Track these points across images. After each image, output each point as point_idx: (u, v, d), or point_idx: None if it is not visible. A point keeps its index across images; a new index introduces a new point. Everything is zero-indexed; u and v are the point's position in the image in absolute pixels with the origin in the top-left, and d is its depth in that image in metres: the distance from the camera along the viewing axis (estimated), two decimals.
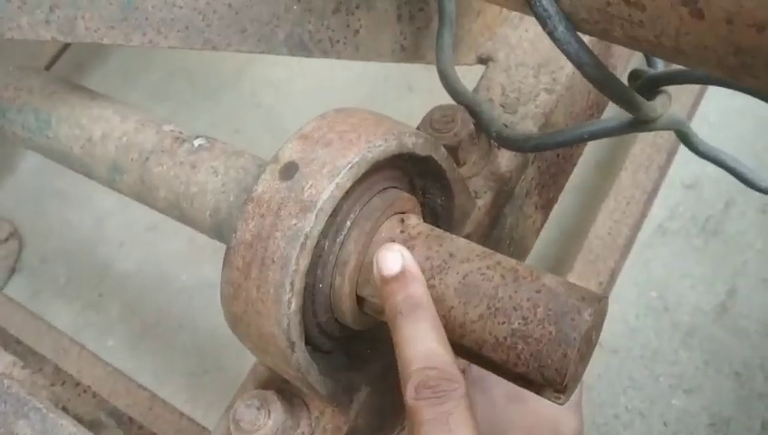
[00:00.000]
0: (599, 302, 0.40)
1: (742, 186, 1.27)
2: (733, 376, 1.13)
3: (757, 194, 1.29)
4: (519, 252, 0.62)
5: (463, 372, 0.53)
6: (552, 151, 0.62)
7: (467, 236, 0.50)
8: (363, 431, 0.49)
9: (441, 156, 0.47)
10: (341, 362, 0.48)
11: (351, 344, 0.48)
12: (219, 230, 0.49)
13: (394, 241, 0.44)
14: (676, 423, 1.11)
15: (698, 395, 1.13)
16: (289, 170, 0.42)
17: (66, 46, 1.56)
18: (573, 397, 0.99)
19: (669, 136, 1.10)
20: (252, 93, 1.56)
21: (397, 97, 1.47)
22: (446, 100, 0.56)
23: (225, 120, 1.53)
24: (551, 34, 0.40)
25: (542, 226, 0.65)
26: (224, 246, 0.44)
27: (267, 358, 0.44)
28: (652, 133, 1.11)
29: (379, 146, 0.42)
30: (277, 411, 0.45)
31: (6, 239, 1.49)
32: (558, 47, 0.40)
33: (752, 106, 1.17)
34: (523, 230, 0.62)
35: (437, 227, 0.46)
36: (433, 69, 0.58)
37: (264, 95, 1.55)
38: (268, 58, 1.58)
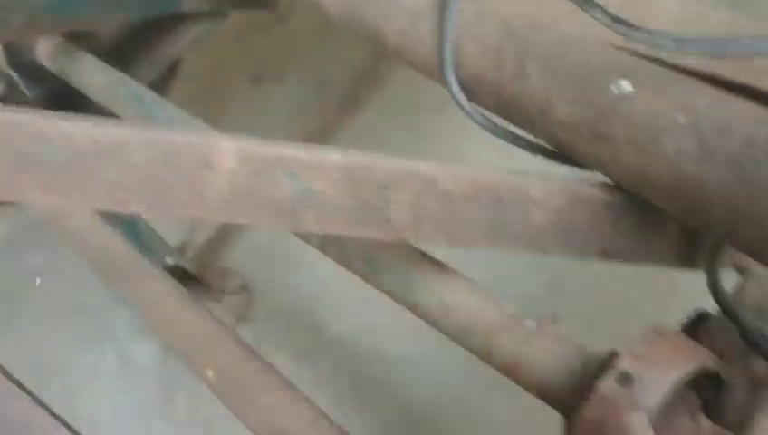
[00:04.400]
0: None
1: None
2: None
3: None
4: None
5: None
6: None
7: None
8: None
9: (724, 370, 0.64)
10: None
11: None
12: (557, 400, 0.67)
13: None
14: None
15: None
16: (626, 379, 0.60)
17: None
18: None
19: None
20: None
21: None
22: None
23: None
24: None
25: None
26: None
27: None
28: None
29: (692, 367, 0.60)
30: None
31: (237, 291, 1.75)
32: None
33: None
34: None
35: None
36: None
37: None
38: None
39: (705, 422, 0.62)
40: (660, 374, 0.59)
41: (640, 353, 0.61)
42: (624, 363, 0.61)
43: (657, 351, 0.61)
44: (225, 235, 1.82)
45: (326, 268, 1.76)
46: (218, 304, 1.74)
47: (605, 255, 0.71)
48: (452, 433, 1.46)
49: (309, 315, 1.69)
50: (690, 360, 0.60)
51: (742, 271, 0.78)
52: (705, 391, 0.67)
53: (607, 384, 0.60)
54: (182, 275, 1.67)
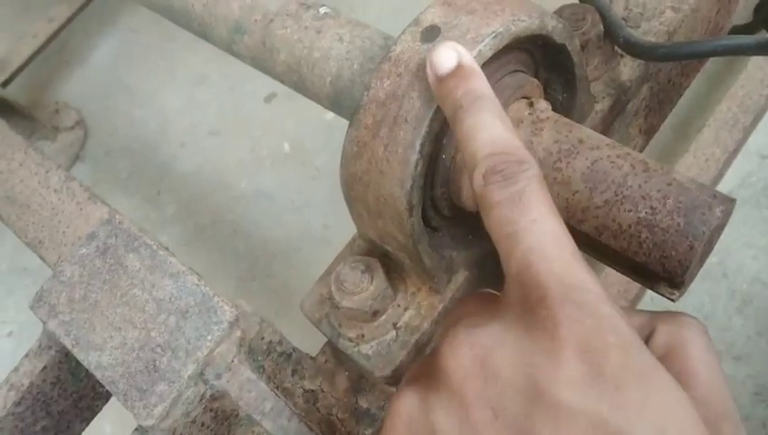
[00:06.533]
0: (730, 202, 0.39)
1: None
2: None
3: None
4: None
5: None
6: (664, 75, 0.61)
7: None
8: None
9: (575, 48, 0.46)
10: (445, 241, 0.48)
11: (457, 226, 0.48)
12: (338, 99, 0.49)
13: (522, 121, 0.43)
14: None
15: (747, 363, 1.12)
16: (431, 33, 0.41)
17: None
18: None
19: (759, 98, 1.07)
20: None
21: None
22: None
23: None
24: None
25: (641, 152, 0.64)
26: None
27: (378, 223, 0.44)
28: (741, 93, 1.08)
29: (523, 21, 0.42)
30: (380, 278, 0.45)
31: (72, 127, 1.51)
32: None
33: None
34: None
35: None
36: None
37: None
38: None
39: (543, 105, 0.45)
40: (479, 24, 0.41)
41: (453, 1, 0.43)
42: (430, 14, 0.42)
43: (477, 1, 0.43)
44: (57, 64, 1.56)
45: (172, 100, 1.55)
46: (51, 144, 1.51)
47: None
48: (305, 265, 1.28)
49: (152, 153, 1.47)
50: (522, 11, 0.42)
51: None
52: (554, 88, 0.50)
53: (404, 43, 0.42)
54: (6, 109, 1.42)
